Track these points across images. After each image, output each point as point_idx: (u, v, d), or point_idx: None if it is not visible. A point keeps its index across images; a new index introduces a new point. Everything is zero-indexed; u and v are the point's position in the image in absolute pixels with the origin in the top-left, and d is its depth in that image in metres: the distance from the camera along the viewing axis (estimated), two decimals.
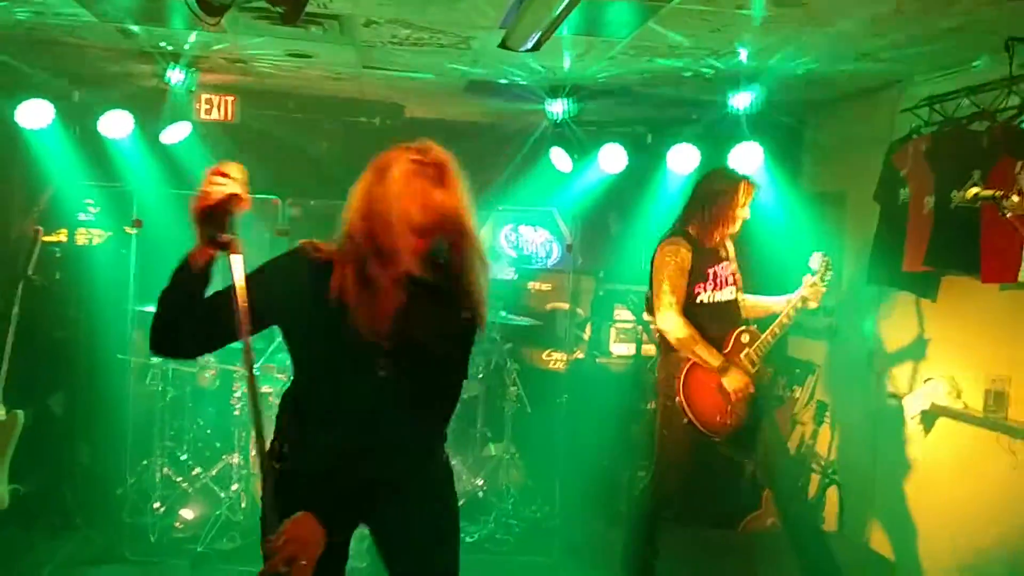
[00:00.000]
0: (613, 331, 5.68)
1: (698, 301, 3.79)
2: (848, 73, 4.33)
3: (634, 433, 5.14)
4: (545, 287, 6.30)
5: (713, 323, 3.80)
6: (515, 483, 5.02)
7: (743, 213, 3.83)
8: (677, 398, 3.77)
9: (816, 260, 3.96)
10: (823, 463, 4.96)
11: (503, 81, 4.96)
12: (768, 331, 3.86)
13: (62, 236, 5.49)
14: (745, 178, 3.85)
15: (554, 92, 5.02)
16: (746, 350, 3.82)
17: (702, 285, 3.80)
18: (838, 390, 5.11)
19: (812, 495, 4.87)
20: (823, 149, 5.45)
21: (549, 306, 6.20)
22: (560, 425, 5.18)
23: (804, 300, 3.90)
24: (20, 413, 4.26)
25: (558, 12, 3.03)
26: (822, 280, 3.93)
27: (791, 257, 4.37)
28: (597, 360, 5.65)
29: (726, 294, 3.86)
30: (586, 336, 5.89)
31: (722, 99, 4.77)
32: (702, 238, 3.81)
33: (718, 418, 3.77)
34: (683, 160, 5.20)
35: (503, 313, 5.20)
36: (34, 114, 4.81)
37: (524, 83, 4.98)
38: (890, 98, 4.57)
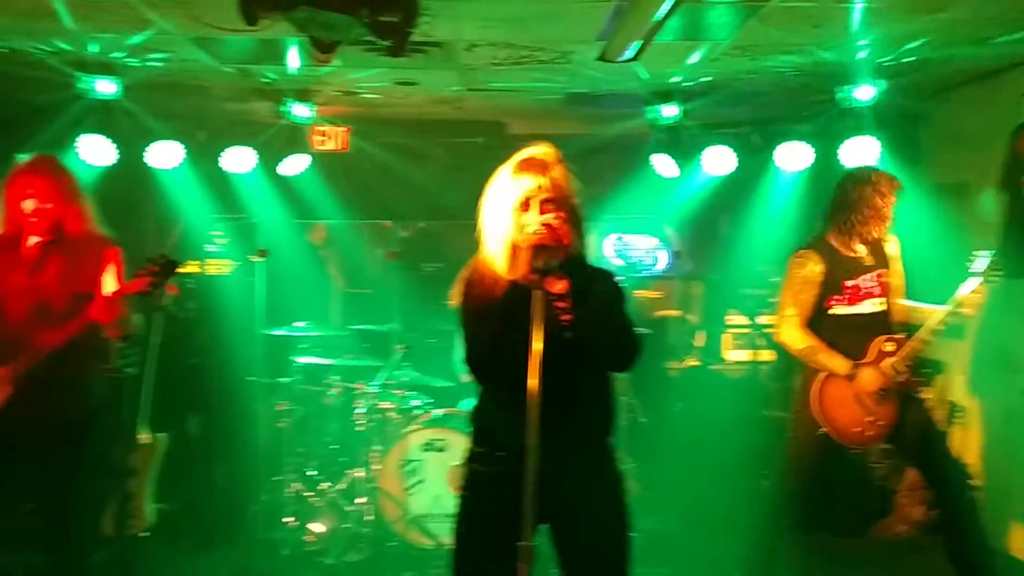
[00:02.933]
0: (727, 337, 5.58)
1: (831, 313, 3.66)
2: (964, 59, 4.15)
3: (754, 441, 5.02)
4: (654, 295, 6.25)
5: (850, 335, 3.64)
6: (632, 494, 4.97)
7: (884, 214, 3.62)
8: (812, 408, 3.67)
9: (980, 263, 3.60)
10: (962, 465, 4.71)
11: (603, 91, 4.98)
12: (914, 338, 3.62)
13: (194, 267, 5.84)
14: (882, 175, 3.67)
15: (655, 98, 5.01)
16: (890, 359, 3.61)
17: (836, 298, 3.64)
18: (970, 390, 4.85)
19: None
20: (942, 139, 5.21)
21: (659, 313, 6.15)
22: (676, 435, 5.12)
23: (961, 306, 3.57)
24: (162, 436, 4.54)
25: (656, 21, 3.04)
26: (986, 282, 3.57)
27: (913, 254, 4.18)
28: (711, 367, 5.56)
29: (867, 307, 3.65)
30: (698, 343, 5.81)
31: (832, 94, 4.65)
32: (841, 247, 3.65)
33: (855, 429, 3.65)
34: (793, 158, 5.08)
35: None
36: (164, 155, 5.16)
37: (624, 92, 4.99)
38: (1012, 81, 4.34)
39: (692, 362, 5.69)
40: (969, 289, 3.55)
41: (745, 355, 5.51)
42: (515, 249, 2.35)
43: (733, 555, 4.34)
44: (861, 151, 4.72)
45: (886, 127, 4.83)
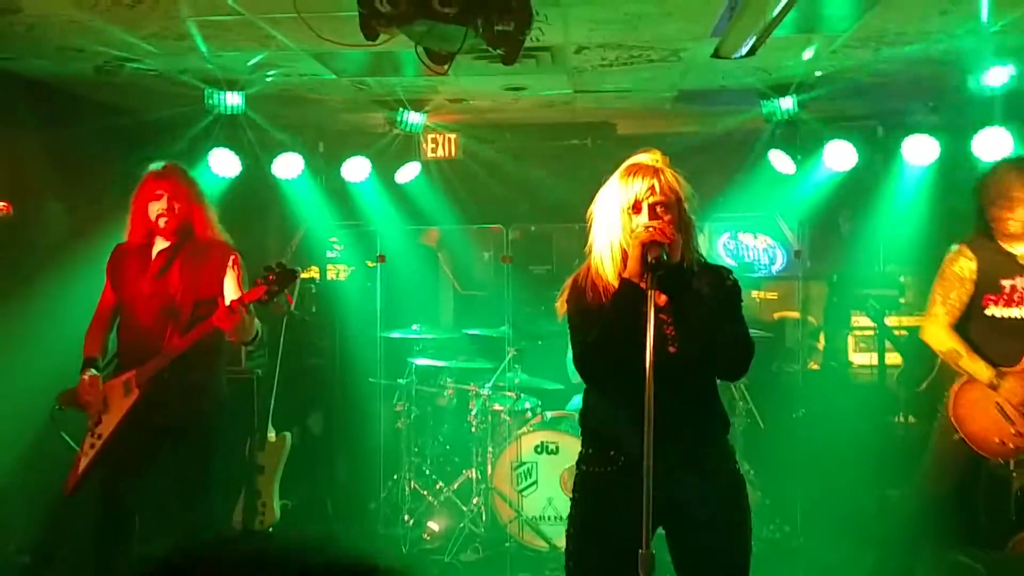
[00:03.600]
0: (851, 339, 5.37)
1: (988, 315, 3.45)
2: None
3: (881, 448, 4.81)
4: (771, 295, 6.08)
5: (1003, 340, 3.42)
6: (752, 501, 4.84)
7: (1012, 216, 3.37)
8: (947, 413, 3.50)
9: None
10: None
11: (715, 87, 4.88)
12: None
13: (314, 273, 6.07)
14: (1001, 170, 3.45)
15: (771, 92, 4.85)
16: None
17: (992, 298, 3.43)
18: None
19: None
20: None
21: (777, 315, 5.97)
22: (798, 441, 4.96)
23: None
24: (288, 435, 4.74)
25: (774, 15, 2.95)
26: None
27: None
28: (835, 371, 5.36)
29: None
30: (820, 346, 5.61)
31: (960, 84, 4.39)
32: (1002, 241, 3.43)
33: (995, 440, 3.43)
34: (920, 152, 4.83)
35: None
36: (287, 166, 5.38)
37: (738, 87, 4.86)
38: None
39: (814, 365, 5.50)
40: None
41: (871, 358, 5.29)
42: (624, 252, 2.35)
43: (858, 566, 4.17)
44: (993, 143, 4.45)
45: (1018, 118, 4.53)
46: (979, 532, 4.51)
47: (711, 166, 5.60)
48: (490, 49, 2.80)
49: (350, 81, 4.66)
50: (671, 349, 2.35)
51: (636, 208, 2.34)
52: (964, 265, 3.44)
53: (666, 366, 2.22)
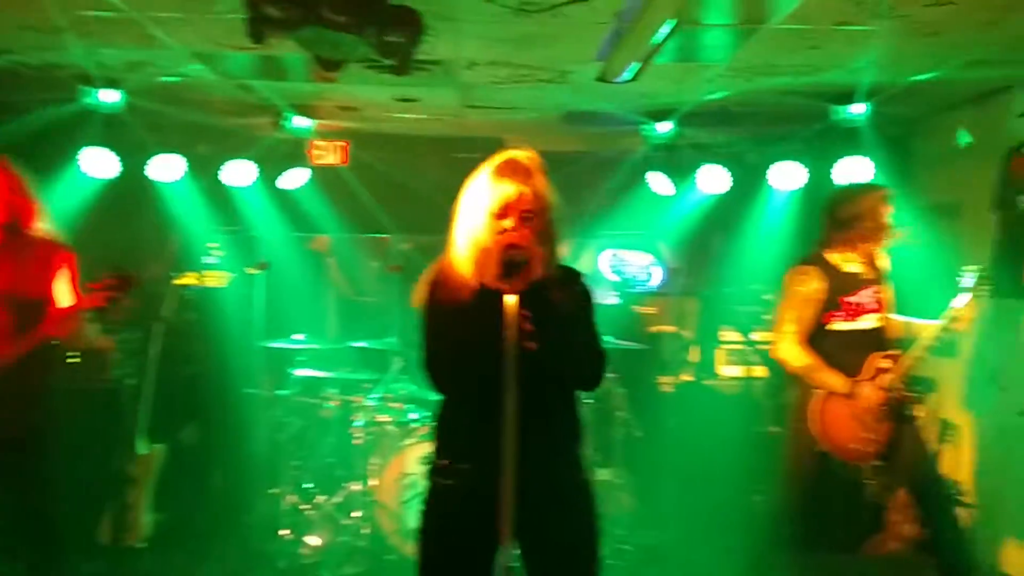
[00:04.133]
0: (721, 353, 5.64)
1: (831, 329, 3.68)
2: (957, 81, 4.22)
3: (748, 456, 5.06)
4: (649, 310, 6.31)
5: (848, 352, 3.65)
6: (627, 508, 5.01)
7: (886, 228, 3.65)
8: (811, 426, 3.68)
9: (969, 278, 3.61)
10: (950, 484, 4.76)
11: (601, 110, 5.05)
12: (908, 355, 3.64)
13: (191, 279, 5.87)
14: (881, 188, 3.71)
15: (653, 117, 5.07)
16: (886, 376, 3.63)
17: (836, 314, 3.66)
18: (961, 408, 4.91)
19: None
20: (934, 159, 5.28)
21: (654, 329, 6.20)
22: (671, 450, 5.16)
23: (952, 322, 3.58)
24: (160, 447, 4.57)
25: (654, 43, 3.09)
26: (976, 297, 3.58)
27: (905, 272, 4.24)
28: (705, 383, 5.61)
29: (865, 322, 3.68)
30: (693, 359, 5.86)
31: (826, 114, 4.71)
32: (840, 263, 3.69)
33: (852, 446, 3.67)
34: (787, 178, 5.15)
35: (608, 338, 5.23)
36: (166, 167, 5.21)
37: (622, 110, 5.05)
38: (1004, 103, 4.41)
39: (686, 377, 5.73)
40: (960, 305, 3.57)
41: (738, 371, 5.56)
42: (485, 253, 2.27)
43: (728, 571, 4.36)
44: (853, 171, 4.79)
45: (878, 147, 4.90)
46: (834, 536, 4.82)
47: (596, 184, 5.79)
48: (381, 59, 2.83)
49: (235, 83, 4.56)
50: (527, 345, 2.24)
51: (502, 213, 2.27)
52: (813, 286, 3.63)
53: (521, 373, 2.15)
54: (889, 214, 3.66)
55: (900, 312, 3.87)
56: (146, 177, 5.24)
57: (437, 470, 2.42)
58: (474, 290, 2.31)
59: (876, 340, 3.69)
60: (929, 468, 3.78)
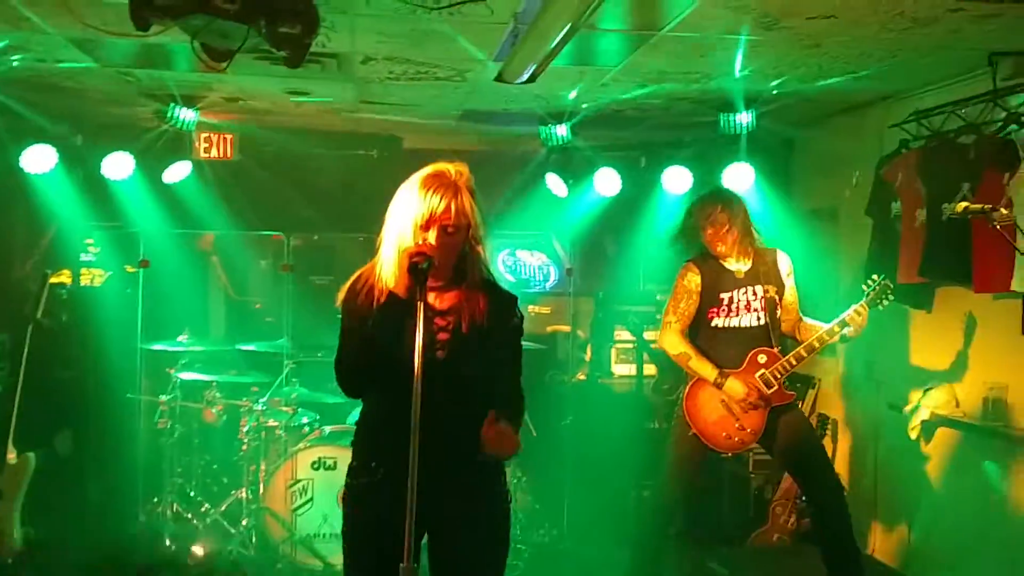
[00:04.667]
0: (614, 351, 5.75)
1: (712, 325, 3.85)
2: (836, 91, 4.43)
3: (639, 452, 5.18)
4: (545, 310, 6.37)
5: (729, 347, 3.82)
6: (523, 507, 5.04)
7: (716, 240, 3.82)
8: (681, 411, 3.85)
9: (870, 285, 3.76)
10: (836, 475, 4.99)
11: (498, 110, 5.05)
12: (791, 354, 3.79)
13: (65, 277, 5.55)
14: (705, 202, 3.90)
15: (548, 118, 5.11)
16: (761, 370, 3.79)
17: (715, 310, 3.84)
18: (839, 403, 5.17)
19: None
20: (815, 166, 5.54)
21: (550, 328, 6.26)
22: (566, 447, 5.22)
23: (843, 326, 3.74)
24: (31, 456, 4.30)
25: (552, 46, 3.11)
26: (872, 306, 3.75)
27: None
28: (600, 381, 5.71)
29: (746, 320, 3.83)
30: (587, 357, 5.94)
31: (713, 121, 4.86)
32: (724, 262, 3.87)
33: (723, 435, 3.81)
34: (676, 182, 5.29)
35: None
36: (37, 159, 4.89)
37: (519, 111, 5.07)
38: (878, 113, 4.67)
39: (581, 376, 5.81)
40: (853, 311, 3.74)
41: (630, 369, 5.68)
42: (404, 261, 2.31)
43: (620, 565, 4.44)
44: (737, 176, 4.96)
45: (762, 154, 5.10)
46: (722, 529, 4.99)
47: (493, 184, 5.77)
48: (273, 50, 2.73)
49: (115, 71, 4.32)
50: (439, 354, 2.35)
51: (427, 225, 2.31)
52: (691, 279, 3.87)
53: (433, 374, 2.20)
54: (715, 228, 3.82)
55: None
56: (17, 168, 4.90)
57: (350, 471, 2.48)
58: (388, 297, 2.35)
59: (758, 337, 3.84)
60: (818, 459, 3.95)
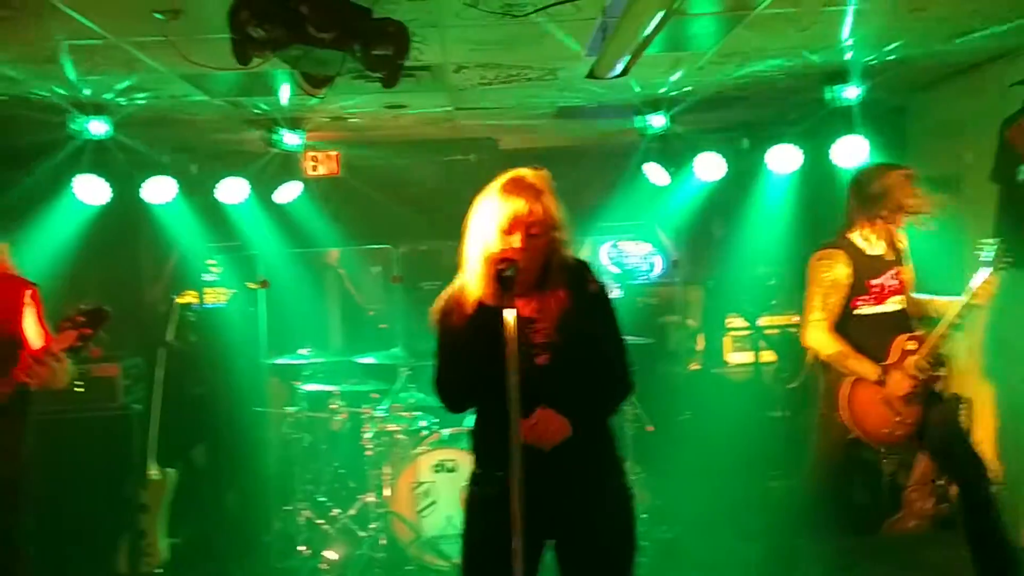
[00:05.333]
0: (728, 340, 5.61)
1: (856, 314, 3.63)
2: (949, 53, 4.18)
3: (762, 443, 5.05)
4: (652, 301, 6.27)
5: (875, 335, 3.61)
6: (643, 504, 4.97)
7: (912, 207, 3.58)
8: (841, 412, 3.63)
9: (987, 251, 3.50)
10: (983, 461, 4.72)
11: (592, 104, 5.01)
12: (934, 334, 3.57)
13: (192, 297, 5.85)
14: (899, 169, 3.66)
15: (645, 108, 5.03)
16: (913, 358, 3.57)
17: (863, 299, 3.61)
18: (973, 381, 4.88)
19: None
20: (931, 132, 5.25)
21: (659, 319, 6.16)
22: (684, 441, 5.14)
23: (974, 297, 3.50)
24: (172, 472, 4.55)
25: (643, 37, 3.06)
26: (996, 271, 3.49)
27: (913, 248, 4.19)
28: (714, 371, 5.59)
29: (891, 305, 3.63)
30: (699, 347, 5.83)
31: (819, 95, 4.66)
32: (865, 246, 3.64)
33: (884, 430, 3.63)
34: (784, 161, 5.11)
35: None
36: (158, 190, 5.18)
37: (613, 103, 5.02)
38: (997, 72, 4.37)
39: (694, 366, 5.71)
40: (981, 280, 3.49)
41: (747, 357, 5.54)
42: (490, 269, 2.31)
43: (747, 561, 4.35)
44: (850, 150, 4.76)
45: (873, 125, 4.86)
46: (855, 518, 4.80)
47: (591, 178, 5.76)
48: (369, 73, 2.80)
49: (223, 101, 4.53)
50: (539, 360, 2.33)
51: (511, 229, 2.30)
52: (841, 271, 3.57)
53: (536, 380, 2.21)
54: (914, 193, 3.60)
55: (918, 290, 3.82)
56: (140, 200, 5.21)
57: (473, 478, 2.53)
58: (479, 308, 2.35)
59: (901, 322, 3.65)
60: (963, 446, 3.74)
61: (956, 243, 4.77)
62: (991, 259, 3.49)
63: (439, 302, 2.47)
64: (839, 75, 4.48)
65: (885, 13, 3.48)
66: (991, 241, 3.53)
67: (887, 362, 3.59)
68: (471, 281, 2.38)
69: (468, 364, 2.34)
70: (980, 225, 4.49)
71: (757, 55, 4.08)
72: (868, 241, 3.64)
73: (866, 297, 3.61)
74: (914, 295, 3.77)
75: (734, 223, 5.74)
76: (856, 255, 3.61)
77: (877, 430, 3.62)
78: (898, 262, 3.67)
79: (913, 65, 4.38)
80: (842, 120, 4.73)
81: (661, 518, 5.01)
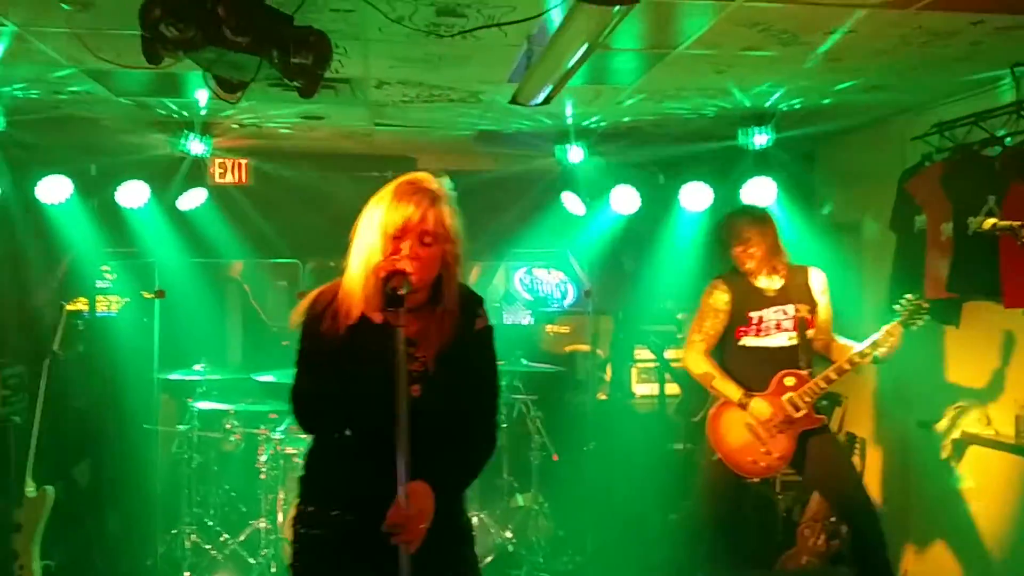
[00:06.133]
0: (635, 371, 5.66)
1: (740, 344, 3.76)
2: (858, 104, 4.36)
3: (664, 475, 5.08)
4: (563, 330, 6.29)
5: (757, 367, 3.73)
6: (545, 534, 4.95)
7: (746, 258, 3.76)
8: (707, 434, 3.76)
9: (903, 305, 3.62)
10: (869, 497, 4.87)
11: (512, 130, 5.01)
12: (820, 376, 3.68)
13: (82, 305, 5.53)
14: (737, 218, 3.86)
15: (564, 137, 5.06)
16: (789, 394, 3.69)
17: (744, 329, 3.75)
18: (867, 421, 5.06)
19: None
20: (836, 180, 5.46)
21: (568, 348, 6.18)
22: (588, 471, 5.13)
23: (876, 346, 3.61)
24: (50, 489, 4.26)
25: (567, 68, 3.06)
26: (905, 326, 3.60)
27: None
28: (622, 401, 5.62)
29: (777, 340, 3.74)
30: (607, 377, 5.86)
31: (733, 136, 4.79)
32: (750, 278, 3.79)
33: (748, 459, 3.72)
34: (696, 198, 5.22)
35: (524, 361, 5.16)
36: (53, 189, 4.90)
37: (534, 130, 5.03)
38: (900, 126, 4.58)
39: (602, 396, 5.73)
40: (886, 332, 3.62)
41: (652, 389, 5.59)
42: (370, 280, 2.09)
43: None
44: (759, 191, 4.89)
45: (783, 168, 5.02)
46: (749, 552, 4.88)
47: (508, 203, 5.74)
48: (287, 81, 2.70)
49: (129, 100, 4.32)
50: (413, 389, 2.08)
51: (400, 235, 2.08)
52: (719, 297, 3.77)
53: (410, 415, 1.97)
54: (747, 246, 3.76)
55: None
56: (33, 199, 4.92)
57: (305, 517, 2.21)
58: (357, 321, 2.12)
59: (786, 358, 3.75)
60: (849, 480, 3.86)
61: (856, 285, 4.96)
62: (903, 314, 3.61)
63: (307, 303, 2.20)
64: (753, 118, 4.62)
65: (800, 60, 3.59)
66: (910, 297, 3.65)
67: (763, 392, 3.69)
68: (352, 288, 2.13)
69: (337, 379, 2.09)
70: (880, 270, 4.67)
71: (676, 93, 4.15)
72: (752, 275, 3.78)
73: (746, 328, 3.75)
74: (836, 337, 3.85)
75: (645, 256, 5.81)
76: (739, 285, 3.77)
77: (742, 457, 3.71)
78: (795, 300, 3.76)
79: (824, 113, 4.54)
80: (753, 161, 4.86)
81: (563, 548, 4.99)
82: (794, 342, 3.75)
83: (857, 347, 3.68)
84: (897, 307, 3.66)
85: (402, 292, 2.00)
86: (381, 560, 2.03)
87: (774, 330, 3.75)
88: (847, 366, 3.67)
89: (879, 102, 4.32)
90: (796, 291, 3.79)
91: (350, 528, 2.14)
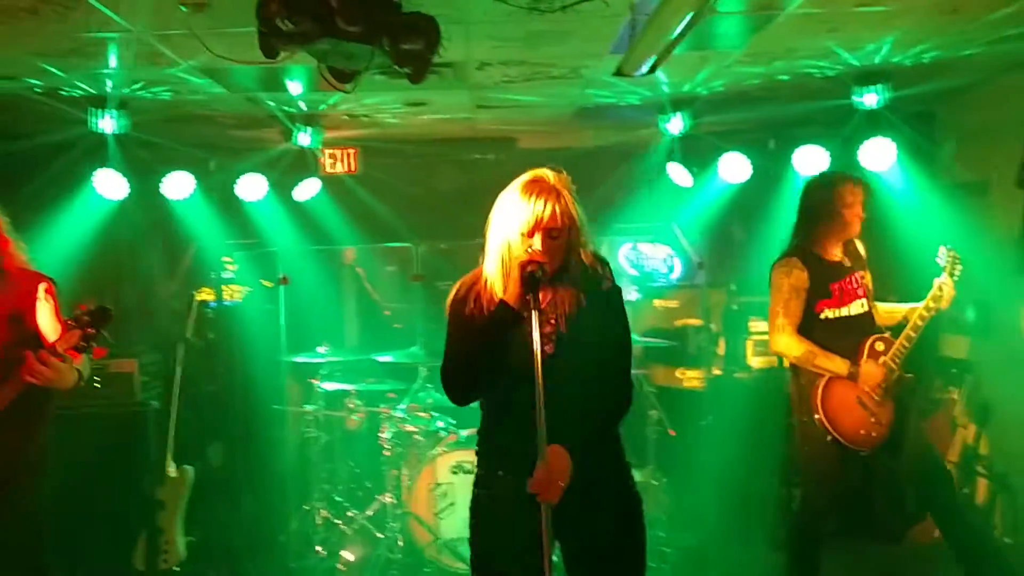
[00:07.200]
0: (750, 344, 5.53)
1: (823, 318, 3.68)
2: (980, 57, 4.11)
3: (782, 450, 4.97)
4: (672, 304, 6.20)
5: (843, 338, 3.66)
6: (665, 509, 4.91)
7: (853, 216, 3.68)
8: (816, 415, 3.65)
9: (942, 256, 3.71)
10: (990, 467, 4.65)
11: (614, 103, 4.95)
12: (901, 336, 3.67)
13: (209, 295, 5.83)
14: (847, 179, 3.75)
15: (668, 107, 4.96)
16: (882, 358, 3.65)
17: (826, 302, 3.68)
18: (999, 388, 4.79)
19: (982, 502, 4.58)
20: (960, 137, 5.17)
21: (678, 323, 6.09)
22: (705, 446, 5.07)
23: (936, 300, 3.65)
24: (190, 469, 4.52)
25: (674, 36, 3.01)
26: (951, 276, 3.67)
27: (933, 254, 4.14)
28: (736, 375, 5.52)
29: (855, 307, 3.69)
30: (720, 351, 5.76)
31: (848, 96, 4.59)
32: (820, 252, 3.71)
33: (861, 431, 3.64)
34: (810, 162, 5.03)
35: (633, 336, 5.11)
36: (177, 186, 5.16)
37: (636, 102, 4.96)
38: None
39: (716, 371, 5.64)
40: (936, 285, 3.66)
41: (770, 361, 5.46)
42: (509, 272, 2.35)
43: (770, 567, 4.28)
44: (878, 153, 4.68)
45: (902, 128, 4.79)
46: (877, 526, 4.73)
47: (611, 178, 5.70)
48: (397, 68, 2.75)
49: (243, 96, 4.50)
50: (547, 348, 2.32)
51: (532, 231, 2.32)
52: (798, 276, 3.66)
53: (544, 372, 2.21)
54: (856, 206, 3.68)
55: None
56: (159, 196, 5.20)
57: (478, 480, 2.53)
58: (499, 304, 2.36)
59: (866, 325, 3.72)
60: (928, 456, 3.76)
61: (984, 248, 4.70)
62: (944, 264, 3.68)
63: (453, 291, 2.49)
64: (869, 77, 4.42)
65: (916, 14, 3.42)
66: (945, 249, 3.70)
67: (857, 359, 3.65)
68: (491, 277, 2.40)
69: (480, 357, 2.37)
70: (1008, 230, 4.41)
71: (786, 55, 4.02)
72: (823, 249, 3.71)
73: (829, 300, 3.67)
74: (878, 304, 3.84)
75: (758, 225, 5.66)
76: (812, 260, 3.69)
77: (854, 431, 3.64)
78: (859, 267, 3.75)
79: (943, 68, 4.30)
80: (870, 122, 4.65)
81: (684, 524, 4.94)
82: (866, 308, 3.72)
83: (910, 306, 3.74)
84: (940, 260, 3.69)
85: (538, 275, 2.27)
86: (535, 514, 2.23)
87: (850, 299, 3.69)
88: (920, 322, 3.66)
89: (1004, 53, 4.06)
90: (857, 259, 3.76)
91: (508, 487, 2.39)
